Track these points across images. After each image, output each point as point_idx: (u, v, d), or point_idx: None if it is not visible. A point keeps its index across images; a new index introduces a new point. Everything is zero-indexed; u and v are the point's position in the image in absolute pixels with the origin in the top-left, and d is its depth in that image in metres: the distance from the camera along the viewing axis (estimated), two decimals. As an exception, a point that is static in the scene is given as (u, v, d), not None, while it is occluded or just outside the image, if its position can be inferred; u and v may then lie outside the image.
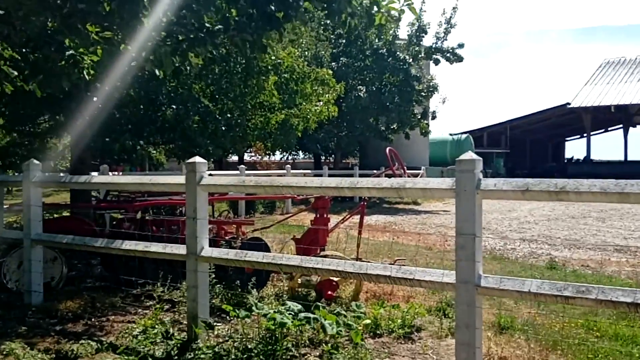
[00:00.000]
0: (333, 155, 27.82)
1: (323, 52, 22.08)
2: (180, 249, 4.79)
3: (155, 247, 4.96)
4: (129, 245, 5.13)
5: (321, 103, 9.54)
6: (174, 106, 8.30)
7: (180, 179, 4.74)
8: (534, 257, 9.69)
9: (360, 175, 22.12)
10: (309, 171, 29.75)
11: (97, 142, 7.96)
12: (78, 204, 7.52)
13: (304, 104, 9.35)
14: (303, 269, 4.17)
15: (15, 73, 4.46)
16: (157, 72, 5.03)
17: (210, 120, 8.68)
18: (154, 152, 9.36)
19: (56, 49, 4.36)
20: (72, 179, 5.61)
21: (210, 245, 4.95)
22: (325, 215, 5.83)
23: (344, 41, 22.84)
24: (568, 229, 14.04)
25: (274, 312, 4.55)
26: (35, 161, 5.97)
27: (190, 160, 4.72)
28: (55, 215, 8.33)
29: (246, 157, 42.25)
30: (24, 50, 4.47)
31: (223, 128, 8.63)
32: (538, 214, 18.50)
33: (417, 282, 3.83)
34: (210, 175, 4.78)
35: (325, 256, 5.30)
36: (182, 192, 6.85)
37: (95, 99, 7.63)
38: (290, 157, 31.82)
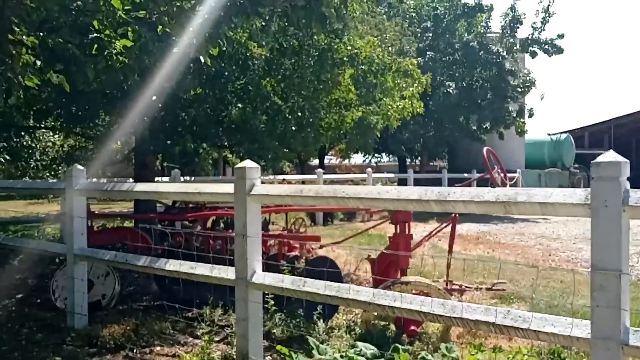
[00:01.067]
0: (419, 158, 26.41)
1: (408, 47, 20.82)
2: (228, 273, 3.91)
3: (202, 269, 4.11)
4: (173, 265, 4.32)
5: (405, 98, 8.43)
6: (240, 105, 7.49)
7: (229, 188, 3.87)
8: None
9: (450, 180, 20.67)
10: (392, 175, 28.54)
11: (158, 146, 7.31)
12: (134, 214, 6.92)
13: (385, 99, 8.29)
14: (376, 307, 3.15)
15: (38, 62, 3.76)
16: (202, 59, 4.17)
17: (279, 120, 7.82)
18: (224, 155, 8.66)
19: (78, 31, 3.65)
20: (115, 186, 4.92)
21: (268, 265, 4.06)
22: (406, 231, 4.77)
23: (430, 34, 21.49)
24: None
25: (341, 356, 3.58)
26: (79, 166, 5.33)
27: (240, 164, 3.84)
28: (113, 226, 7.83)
29: (327, 160, 41.68)
30: (40, 34, 3.76)
31: (293, 128, 7.73)
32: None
33: (533, 333, 2.73)
34: (273, 180, 3.86)
35: (406, 283, 4.25)
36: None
37: (154, 97, 6.96)
38: (373, 160, 30.64)
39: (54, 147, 10.98)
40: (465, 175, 22.21)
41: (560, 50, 20.60)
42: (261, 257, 3.82)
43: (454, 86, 19.79)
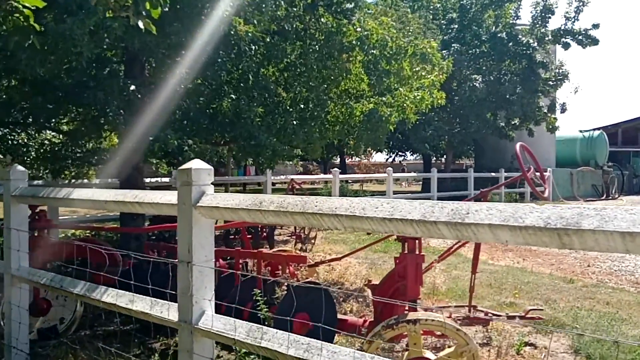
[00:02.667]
0: (445, 156, 25.15)
1: (433, 40, 19.66)
2: (170, 312, 2.92)
3: (141, 304, 3.12)
4: (110, 296, 3.34)
5: (423, 88, 7.34)
6: (233, 95, 6.51)
7: (173, 197, 2.88)
8: None
9: (476, 180, 19.46)
10: (414, 174, 27.35)
11: (143, 143, 6.36)
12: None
13: (401, 89, 7.23)
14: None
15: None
16: (140, 24, 3.16)
17: (278, 113, 6.82)
18: (218, 152, 7.70)
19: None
20: (52, 192, 3.99)
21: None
22: (416, 250, 3.72)
23: (456, 26, 20.27)
24: None
25: None
26: (20, 167, 4.39)
27: (185, 165, 2.84)
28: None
29: (352, 158, 40.57)
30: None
31: (294, 122, 6.72)
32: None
33: None
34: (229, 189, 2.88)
35: (415, 322, 3.20)
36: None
37: (132, 87, 6.03)
38: (397, 158, 29.48)
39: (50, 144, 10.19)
40: (493, 174, 20.99)
41: (595, 42, 19.21)
42: (213, 291, 2.81)
43: (480, 80, 18.56)
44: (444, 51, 19.38)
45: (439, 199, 19.43)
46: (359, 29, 6.84)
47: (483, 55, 19.55)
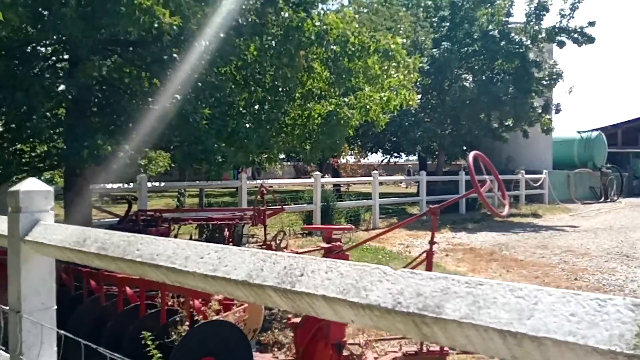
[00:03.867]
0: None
1: (423, 38, 19.06)
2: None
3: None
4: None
5: (393, 88, 6.72)
6: (177, 95, 5.91)
7: (5, 226, 2.28)
8: None
9: (467, 182, 18.83)
10: (401, 178, 26.73)
11: (70, 147, 5.77)
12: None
13: (366, 89, 6.61)
14: None
15: None
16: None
17: (230, 115, 6.21)
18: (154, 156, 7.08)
19: None
20: None
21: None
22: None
23: (447, 24, 19.63)
24: None
25: None
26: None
27: (15, 187, 2.24)
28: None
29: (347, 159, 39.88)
30: None
31: (247, 125, 6.11)
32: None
33: None
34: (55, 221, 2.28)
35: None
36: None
37: (61, 87, 5.45)
38: (388, 160, 28.84)
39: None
40: (486, 177, 20.32)
41: (591, 40, 18.54)
42: (56, 346, 2.21)
43: (471, 80, 17.92)
44: (434, 50, 18.80)
45: (429, 202, 18.82)
46: (318, 24, 6.24)
47: (475, 54, 18.92)
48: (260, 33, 6.71)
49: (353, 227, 3.39)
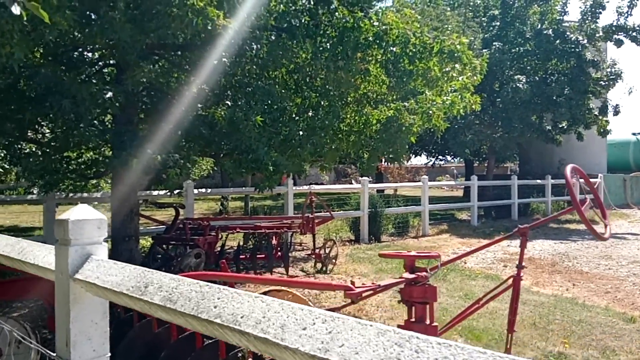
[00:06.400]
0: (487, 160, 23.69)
1: (473, 39, 18.39)
2: None
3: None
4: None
5: (454, 91, 6.25)
6: (228, 102, 5.61)
7: (52, 258, 1.96)
8: None
9: (520, 187, 18.10)
10: (452, 183, 26.10)
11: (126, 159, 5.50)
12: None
13: (427, 92, 6.18)
14: None
15: None
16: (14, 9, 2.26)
17: (283, 122, 5.88)
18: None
19: None
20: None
21: None
22: (427, 319, 2.69)
23: (498, 24, 18.93)
24: None
25: None
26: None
27: (64, 215, 1.92)
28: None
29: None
30: None
31: (301, 133, 5.76)
32: None
33: None
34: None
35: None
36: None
37: (109, 95, 5.21)
38: (437, 162, 28.17)
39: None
40: (539, 181, 19.54)
41: (651, 38, 17.60)
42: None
43: (524, 80, 17.18)
44: (484, 50, 18.12)
45: (480, 208, 18.17)
46: (376, 24, 5.83)
47: (527, 54, 18.16)
48: (314, 35, 6.35)
49: (439, 254, 2.96)
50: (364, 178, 12.84)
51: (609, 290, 8.15)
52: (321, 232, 12.57)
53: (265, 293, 4.16)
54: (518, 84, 16.77)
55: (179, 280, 1.49)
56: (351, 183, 26.85)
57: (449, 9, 21.21)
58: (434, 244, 12.73)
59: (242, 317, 1.24)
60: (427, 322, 2.74)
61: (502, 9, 19.03)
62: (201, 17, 4.29)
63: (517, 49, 18.33)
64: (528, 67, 18.19)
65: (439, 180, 35.30)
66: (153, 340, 3.59)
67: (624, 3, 17.92)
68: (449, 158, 34.15)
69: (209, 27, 4.33)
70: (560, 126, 18.68)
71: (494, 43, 17.98)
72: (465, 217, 18.11)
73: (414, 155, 30.18)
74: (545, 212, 19.25)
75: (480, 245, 3.64)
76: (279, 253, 8.35)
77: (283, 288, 3.47)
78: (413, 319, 2.75)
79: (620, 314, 6.60)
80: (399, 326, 2.92)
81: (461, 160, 32.94)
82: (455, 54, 5.85)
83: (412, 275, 2.75)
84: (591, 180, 16.37)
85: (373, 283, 2.84)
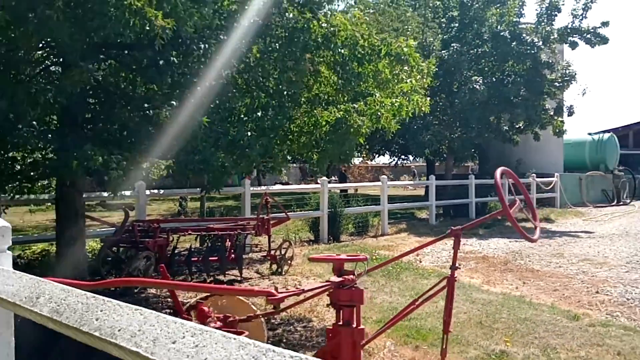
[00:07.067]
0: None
1: (432, 40, 18.64)
2: None
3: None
4: None
5: (404, 94, 6.31)
6: (174, 102, 5.55)
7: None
8: None
9: (477, 186, 18.39)
10: (410, 183, 26.34)
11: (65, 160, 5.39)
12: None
13: (377, 94, 6.22)
14: None
15: None
16: None
17: (231, 123, 5.84)
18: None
19: None
20: None
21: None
22: (354, 322, 2.70)
23: (457, 25, 19.20)
24: None
25: None
26: None
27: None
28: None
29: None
30: None
31: (249, 134, 5.73)
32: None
33: None
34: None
35: None
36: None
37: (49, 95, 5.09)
38: (395, 162, 28.40)
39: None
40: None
41: (604, 40, 18.05)
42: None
43: (481, 82, 17.47)
44: (443, 51, 18.36)
45: (439, 207, 18.39)
46: (324, 25, 5.85)
47: (485, 56, 18.46)
48: (264, 35, 6.33)
49: (367, 257, 2.96)
50: (323, 178, 12.86)
51: (557, 288, 8.33)
52: (280, 233, 12.54)
53: (205, 298, 4.12)
54: (475, 85, 17.04)
55: (69, 291, 1.46)
56: (317, 182, 26.94)
57: (410, 9, 21.46)
58: (392, 242, 12.83)
59: (119, 330, 1.21)
60: (354, 325, 2.75)
61: (460, 11, 19.29)
62: (139, 17, 4.22)
63: (475, 50, 18.63)
64: (486, 69, 18.49)
65: (402, 180, 35.59)
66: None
67: (578, 6, 18.32)
68: (411, 158, 34.51)
69: (147, 28, 4.26)
70: (517, 126, 19.04)
71: (452, 44, 18.22)
72: (425, 216, 18.32)
73: (377, 155, 30.42)
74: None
75: (413, 248, 3.67)
76: (233, 255, 8.29)
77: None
78: (341, 322, 2.76)
79: (565, 311, 6.75)
80: (327, 330, 2.93)
81: (423, 159, 33.31)
82: (402, 57, 5.91)
83: (339, 279, 2.76)
84: (548, 179, 16.81)
85: (297, 287, 2.83)
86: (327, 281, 2.88)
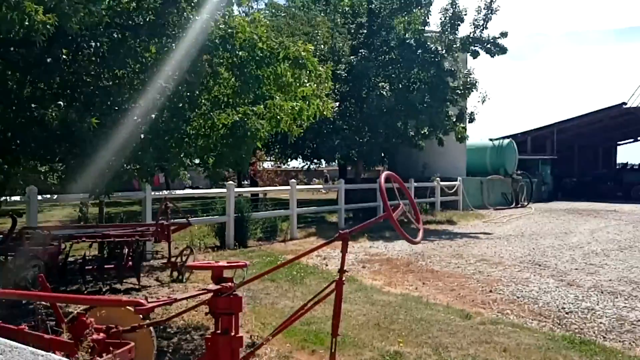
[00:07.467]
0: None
1: (341, 45, 18.89)
2: None
3: None
4: None
5: (304, 98, 6.29)
6: (61, 102, 5.25)
7: None
8: (628, 332, 6.28)
9: (386, 191, 18.74)
10: (320, 186, 26.61)
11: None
12: None
13: (277, 98, 6.17)
14: None
15: None
16: None
17: (124, 125, 5.60)
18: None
19: None
20: None
21: None
22: (233, 330, 2.62)
23: (365, 31, 19.57)
24: (655, 266, 10.49)
25: None
26: None
27: None
28: None
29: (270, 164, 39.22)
30: None
31: (142, 136, 5.51)
32: (603, 238, 14.90)
33: None
34: None
35: None
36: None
37: None
38: (308, 166, 28.54)
39: None
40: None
41: (503, 50, 18.96)
42: None
43: (388, 88, 17.89)
44: (352, 57, 18.66)
45: (349, 210, 18.64)
46: (222, 26, 5.74)
47: (392, 62, 18.93)
48: (160, 34, 6.14)
49: (248, 263, 2.90)
50: (229, 182, 12.68)
51: (454, 288, 8.62)
52: (186, 239, 12.23)
53: (88, 309, 3.90)
54: (382, 91, 17.42)
55: None
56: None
57: (320, 14, 21.64)
58: (300, 247, 12.83)
59: None
60: (233, 333, 2.68)
61: (369, 17, 19.68)
62: (17, 12, 3.95)
63: (383, 57, 19.06)
64: (393, 75, 18.93)
65: (313, 183, 35.79)
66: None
67: (480, 16, 19.11)
68: (324, 162, 34.81)
69: (27, 23, 3.99)
70: (422, 132, 19.63)
71: (360, 50, 18.54)
72: (335, 219, 18.50)
73: (289, 159, 30.45)
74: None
75: (296, 256, 3.64)
76: (130, 263, 7.98)
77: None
78: (219, 331, 2.68)
79: (459, 311, 6.98)
80: (205, 339, 2.83)
81: (335, 164, 33.68)
82: (300, 61, 5.90)
83: (216, 287, 2.68)
84: (451, 183, 17.35)
85: (169, 297, 2.72)
86: (203, 289, 2.79)
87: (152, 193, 10.70)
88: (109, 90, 5.89)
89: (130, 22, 6.09)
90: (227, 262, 2.82)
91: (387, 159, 27.49)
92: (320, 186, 23.84)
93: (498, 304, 7.53)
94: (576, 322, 6.63)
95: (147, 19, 6.13)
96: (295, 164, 34.37)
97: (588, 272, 9.90)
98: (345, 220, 17.29)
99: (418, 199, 21.16)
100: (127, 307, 3.06)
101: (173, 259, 8.66)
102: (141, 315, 2.66)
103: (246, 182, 29.33)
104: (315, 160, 32.20)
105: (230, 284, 2.73)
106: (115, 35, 6.10)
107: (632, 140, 46.63)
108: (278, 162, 29.32)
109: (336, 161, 25.82)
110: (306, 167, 33.57)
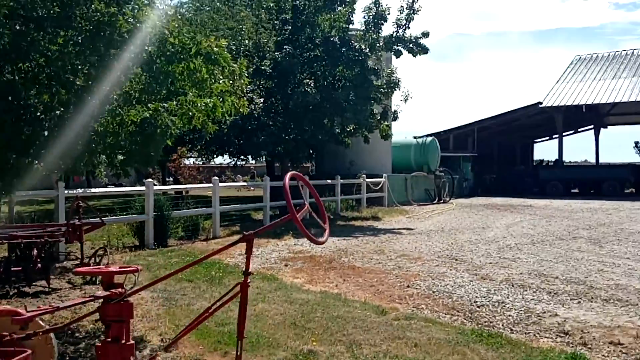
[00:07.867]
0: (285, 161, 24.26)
1: (265, 41, 18.78)
2: None
3: None
4: None
5: (220, 94, 6.18)
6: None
7: None
8: (534, 323, 6.56)
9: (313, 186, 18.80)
10: (245, 183, 26.46)
11: None
12: None
13: (190, 94, 6.03)
14: None
15: None
16: None
17: (26, 121, 5.31)
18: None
19: None
20: None
21: None
22: (124, 337, 2.53)
23: (290, 27, 19.54)
24: (562, 259, 11.03)
25: None
26: None
27: None
28: None
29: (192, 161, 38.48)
30: None
31: (46, 133, 5.25)
32: (518, 232, 15.55)
33: None
34: None
35: None
36: None
37: None
38: (235, 163, 28.23)
39: None
40: (329, 181, 20.55)
41: (425, 50, 19.40)
42: None
43: (313, 85, 17.94)
44: (277, 53, 18.58)
45: (275, 207, 18.56)
46: (131, 20, 5.54)
47: (317, 60, 18.98)
48: (66, 27, 5.86)
49: (140, 267, 2.80)
50: (148, 180, 12.34)
51: (373, 284, 8.73)
52: (103, 239, 11.82)
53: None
54: (307, 88, 17.45)
55: None
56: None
57: (245, 9, 21.40)
58: (222, 246, 12.65)
59: None
60: (124, 340, 2.58)
61: (293, 14, 19.65)
62: None
63: (308, 53, 19.09)
64: (318, 72, 19.00)
65: (238, 180, 35.51)
66: None
67: (402, 16, 19.43)
68: (250, 158, 34.54)
69: None
70: (348, 130, 19.82)
71: (285, 46, 18.49)
72: (261, 217, 18.39)
73: (215, 156, 29.99)
74: (335, 210, 20.30)
75: (198, 259, 3.57)
76: (39, 265, 7.61)
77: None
78: (110, 339, 2.57)
79: (375, 307, 7.08)
80: (96, 347, 2.72)
81: (262, 160, 33.49)
82: (213, 57, 5.79)
83: (105, 293, 2.57)
84: (377, 179, 17.66)
85: (51, 305, 2.59)
86: (90, 296, 2.67)
87: (66, 191, 10.24)
88: (9, 84, 5.57)
89: (34, 13, 5.79)
90: (119, 267, 2.71)
91: (314, 155, 27.61)
92: (245, 183, 23.63)
93: (414, 299, 7.69)
94: (486, 316, 6.87)
95: (52, 11, 5.85)
96: (221, 160, 33.89)
97: (501, 265, 10.29)
98: (270, 217, 17.21)
99: (344, 195, 21.38)
100: (4, 316, 2.88)
101: (86, 260, 8.33)
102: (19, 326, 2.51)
103: (170, 180, 28.71)
104: (241, 157, 31.94)
105: (120, 290, 2.62)
106: (18, 27, 5.80)
107: (547, 138, 49.04)
108: (202, 159, 28.80)
109: (263, 158, 25.71)
110: (232, 164, 33.26)
